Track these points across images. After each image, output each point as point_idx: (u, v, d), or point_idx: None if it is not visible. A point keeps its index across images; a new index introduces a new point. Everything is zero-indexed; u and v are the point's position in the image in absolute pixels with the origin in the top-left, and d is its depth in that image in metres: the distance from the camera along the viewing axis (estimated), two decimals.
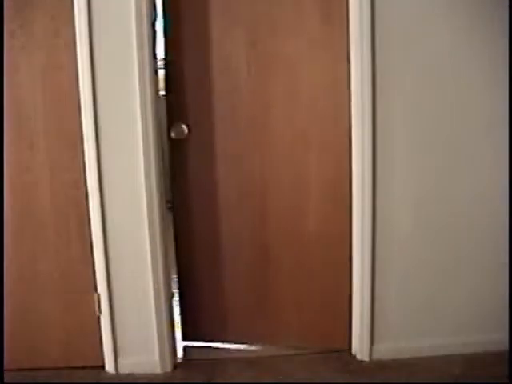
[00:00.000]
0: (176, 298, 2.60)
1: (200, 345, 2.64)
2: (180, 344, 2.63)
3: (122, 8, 2.20)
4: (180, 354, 2.62)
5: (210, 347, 2.62)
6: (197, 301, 2.58)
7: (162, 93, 2.44)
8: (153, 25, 2.28)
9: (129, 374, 2.47)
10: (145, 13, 2.21)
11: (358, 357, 2.55)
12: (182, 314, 2.61)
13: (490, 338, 2.51)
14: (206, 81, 2.37)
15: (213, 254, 2.53)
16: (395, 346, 2.53)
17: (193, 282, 2.56)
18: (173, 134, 2.41)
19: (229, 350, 2.61)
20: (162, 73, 2.44)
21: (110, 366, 2.48)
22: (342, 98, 2.37)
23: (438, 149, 2.42)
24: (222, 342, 2.62)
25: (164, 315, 2.45)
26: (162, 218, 2.40)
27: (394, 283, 2.50)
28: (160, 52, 2.41)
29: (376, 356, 2.53)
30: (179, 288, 2.58)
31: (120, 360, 2.47)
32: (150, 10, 2.24)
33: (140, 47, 2.22)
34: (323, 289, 2.55)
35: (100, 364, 2.48)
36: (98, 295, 2.42)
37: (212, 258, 2.53)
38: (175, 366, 2.53)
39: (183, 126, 2.40)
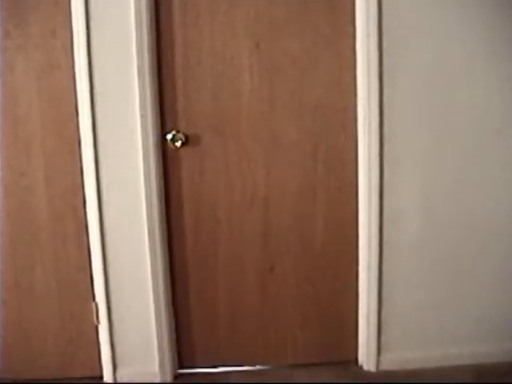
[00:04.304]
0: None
1: (199, 372, 2.52)
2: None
3: (121, 7, 2.19)
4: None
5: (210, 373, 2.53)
6: (193, 324, 2.50)
7: None
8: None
9: None
10: (144, 12, 2.19)
11: (365, 367, 2.53)
12: (177, 339, 2.49)
13: (502, 348, 2.49)
14: (205, 84, 2.32)
15: (212, 270, 2.46)
16: (403, 356, 2.50)
17: (189, 303, 2.48)
18: (168, 143, 2.33)
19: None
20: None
21: (108, 377, 2.45)
22: (348, 101, 2.35)
23: (447, 151, 2.39)
24: (223, 366, 2.53)
25: (164, 324, 2.41)
26: (162, 224, 2.36)
27: (401, 292, 2.47)
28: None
29: (383, 366, 2.51)
30: (174, 308, 2.46)
31: (119, 370, 2.45)
32: (149, 9, 2.21)
33: (139, 47, 2.20)
34: (329, 300, 2.51)
35: (98, 375, 2.45)
36: (96, 304, 2.39)
37: (210, 275, 2.47)
38: (176, 376, 2.50)
39: (179, 135, 2.33)
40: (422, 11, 2.27)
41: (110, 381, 2.43)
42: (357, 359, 2.55)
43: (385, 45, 2.26)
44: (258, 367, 2.54)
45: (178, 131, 2.33)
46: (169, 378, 2.45)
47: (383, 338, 2.49)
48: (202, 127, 2.35)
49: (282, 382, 2.43)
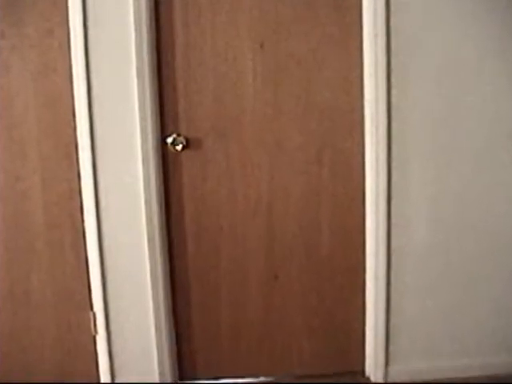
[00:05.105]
0: None
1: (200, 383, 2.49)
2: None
3: (120, 6, 2.17)
4: None
5: None
6: (195, 334, 2.46)
7: None
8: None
9: None
10: (144, 10, 2.17)
11: (372, 379, 2.49)
12: (178, 349, 2.46)
13: None
14: (207, 86, 2.30)
15: (214, 278, 2.43)
16: (411, 367, 2.48)
17: (190, 312, 2.45)
18: (168, 147, 2.31)
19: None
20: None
21: None
22: (355, 103, 2.33)
23: (457, 155, 2.36)
24: (226, 377, 2.49)
25: (164, 334, 2.39)
26: (162, 231, 2.33)
27: (410, 301, 2.44)
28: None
29: (391, 378, 2.48)
30: (174, 318, 2.43)
31: (117, 381, 2.41)
32: (149, 8, 2.19)
33: (139, 48, 2.18)
34: (335, 309, 2.48)
35: None
36: (94, 314, 2.37)
37: (212, 284, 2.43)
38: None
39: (180, 138, 2.30)
40: (430, 10, 2.25)
41: None
42: (364, 370, 2.51)
43: (393, 45, 2.24)
44: (261, 379, 2.50)
45: (178, 134, 2.30)
46: None
47: (391, 348, 2.46)
48: (204, 130, 2.32)
49: None
